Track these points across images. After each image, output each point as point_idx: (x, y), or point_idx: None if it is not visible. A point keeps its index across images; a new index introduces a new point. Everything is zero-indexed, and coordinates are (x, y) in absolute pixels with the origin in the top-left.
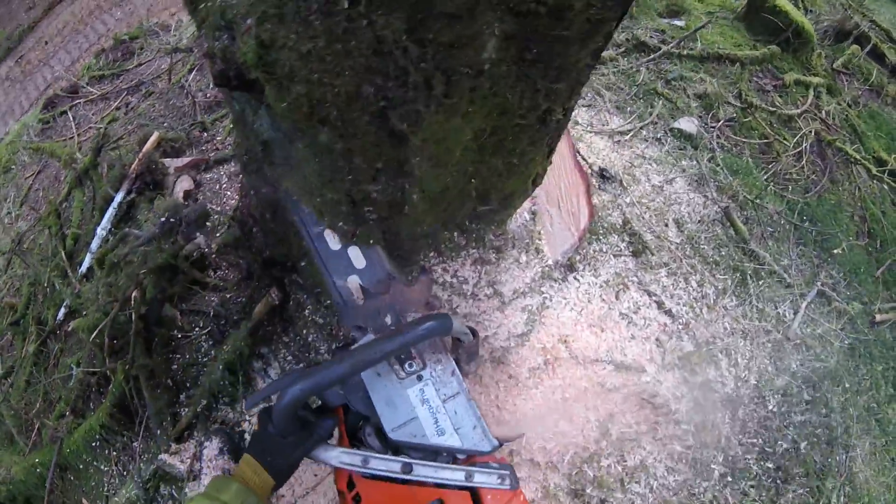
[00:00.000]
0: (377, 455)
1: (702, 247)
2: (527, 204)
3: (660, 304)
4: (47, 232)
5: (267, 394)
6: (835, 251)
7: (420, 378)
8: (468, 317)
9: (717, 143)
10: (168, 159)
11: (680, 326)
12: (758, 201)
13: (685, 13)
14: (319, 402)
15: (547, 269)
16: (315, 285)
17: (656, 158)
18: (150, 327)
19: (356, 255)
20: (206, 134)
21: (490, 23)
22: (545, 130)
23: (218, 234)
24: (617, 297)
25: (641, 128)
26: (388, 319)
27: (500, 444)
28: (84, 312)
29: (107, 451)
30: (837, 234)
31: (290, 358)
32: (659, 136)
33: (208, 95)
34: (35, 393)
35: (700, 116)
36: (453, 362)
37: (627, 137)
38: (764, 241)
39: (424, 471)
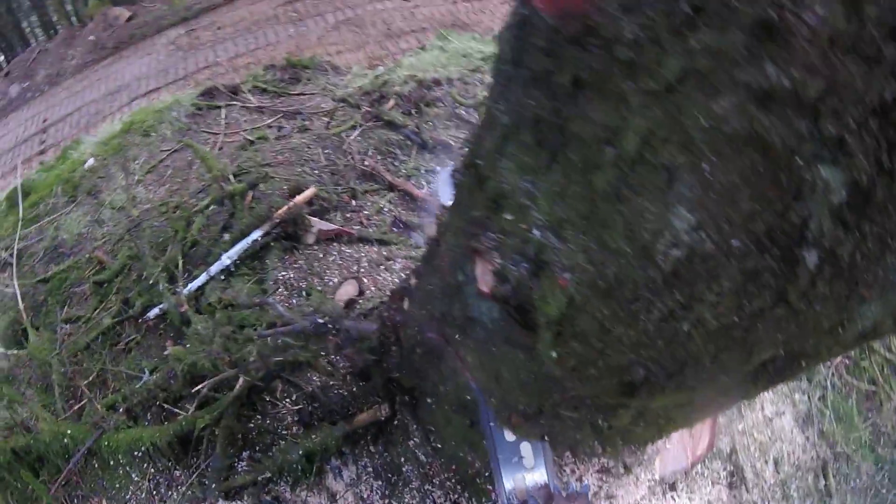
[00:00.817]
0: None
1: (791, 493)
2: None
3: None
4: (167, 218)
5: None
6: None
7: None
8: None
9: (830, 381)
10: (315, 218)
11: None
12: (852, 456)
13: None
14: None
15: (653, 484)
16: (432, 424)
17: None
18: (251, 394)
19: (527, 454)
20: (354, 202)
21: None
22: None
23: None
24: None
25: None
26: None
27: None
28: (186, 342)
29: (145, 465)
30: None
31: (370, 469)
32: None
33: (366, 163)
34: (92, 361)
35: None
36: None
37: None
38: (844, 497)
39: None
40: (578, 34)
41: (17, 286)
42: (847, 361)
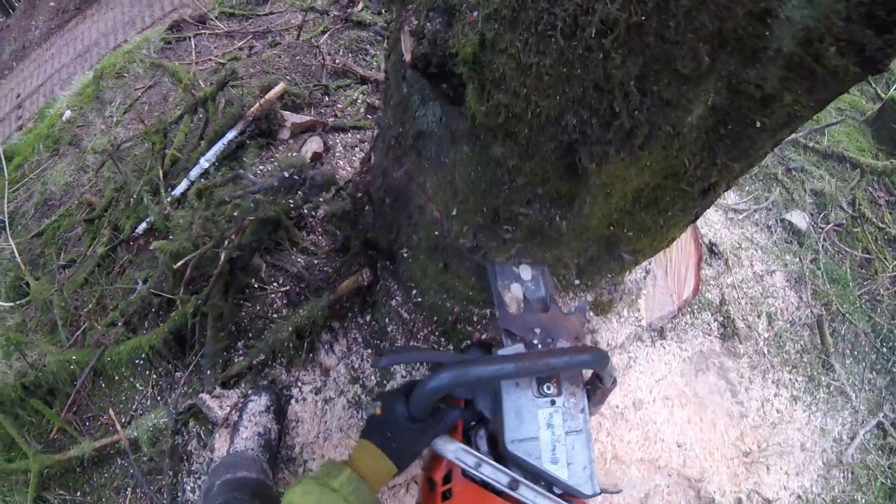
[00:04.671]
0: (492, 462)
1: (786, 347)
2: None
3: (734, 394)
4: (148, 147)
5: (404, 360)
6: None
7: (553, 403)
8: None
9: (823, 245)
10: (287, 112)
11: (747, 422)
12: (848, 316)
13: None
14: None
15: (640, 329)
16: (411, 280)
17: (763, 246)
18: (235, 272)
19: (524, 268)
20: (327, 98)
21: (708, 92)
22: (701, 202)
23: (324, 201)
24: (695, 376)
25: (755, 211)
26: (539, 336)
27: (600, 492)
28: (170, 236)
29: (148, 372)
30: None
31: (359, 340)
32: (770, 223)
33: (337, 61)
34: (90, 293)
35: (812, 214)
36: (586, 400)
37: (741, 217)
38: (843, 357)
39: (527, 493)
40: None
41: (13, 245)
42: (838, 228)
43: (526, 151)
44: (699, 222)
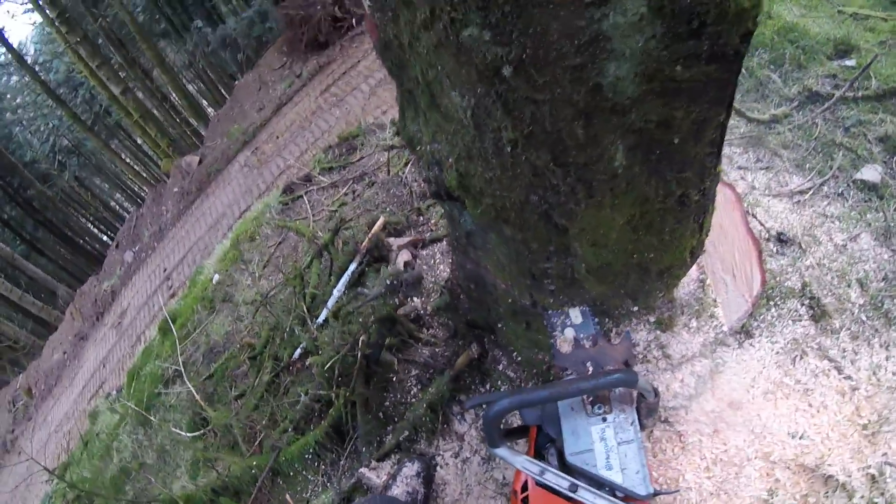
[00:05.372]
0: (553, 470)
1: (885, 306)
2: (694, 273)
3: (839, 370)
4: (291, 290)
5: (484, 400)
6: None
7: (604, 420)
8: None
9: None
10: (391, 238)
11: (859, 394)
12: None
13: (854, 50)
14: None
15: (721, 335)
16: (508, 345)
17: (839, 215)
18: (371, 365)
19: (575, 315)
20: (421, 217)
21: (613, 142)
22: (687, 210)
23: (432, 300)
24: (794, 364)
25: (822, 184)
26: (589, 367)
27: (655, 494)
28: (319, 352)
29: (316, 464)
30: None
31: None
32: (841, 190)
33: (422, 186)
34: (262, 413)
35: (885, 162)
36: (635, 414)
37: (807, 196)
38: None
39: (586, 494)
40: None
41: (191, 387)
42: None
43: (522, 227)
44: (763, 216)
